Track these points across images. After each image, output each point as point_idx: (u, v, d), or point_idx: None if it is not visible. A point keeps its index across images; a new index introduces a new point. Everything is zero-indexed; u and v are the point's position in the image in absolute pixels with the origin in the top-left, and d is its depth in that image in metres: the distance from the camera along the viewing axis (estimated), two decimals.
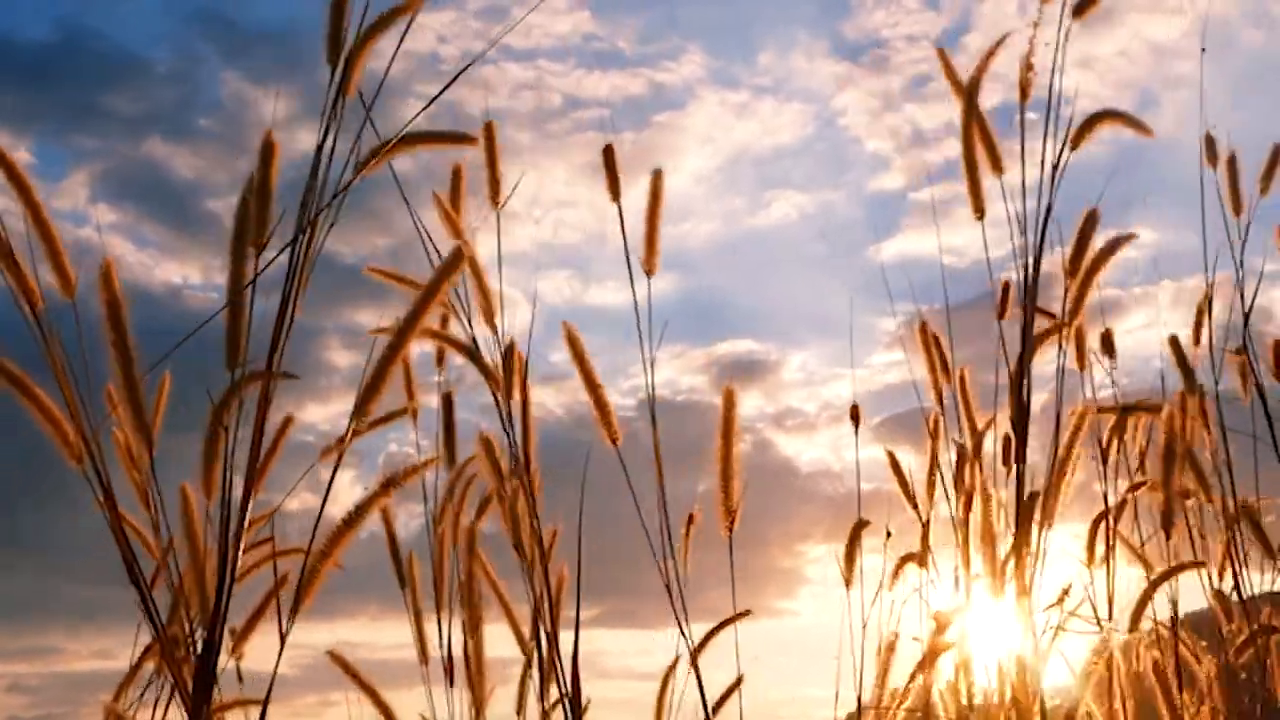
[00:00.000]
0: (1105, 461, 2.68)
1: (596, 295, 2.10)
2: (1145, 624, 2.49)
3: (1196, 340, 2.77)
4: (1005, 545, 2.30)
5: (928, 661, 2.32)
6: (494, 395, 2.21)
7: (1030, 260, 2.24)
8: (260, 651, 2.06)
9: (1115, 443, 2.69)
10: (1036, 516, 2.20)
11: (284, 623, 1.51)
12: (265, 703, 1.57)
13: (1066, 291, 2.28)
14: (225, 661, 1.84)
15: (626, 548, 2.27)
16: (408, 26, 1.65)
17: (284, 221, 1.61)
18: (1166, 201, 2.75)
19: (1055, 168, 2.22)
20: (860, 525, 2.55)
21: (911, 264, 2.62)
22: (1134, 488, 2.66)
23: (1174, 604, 2.57)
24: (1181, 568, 2.47)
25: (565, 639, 2.25)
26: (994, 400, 2.44)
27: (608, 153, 2.28)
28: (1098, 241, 2.27)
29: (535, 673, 2.29)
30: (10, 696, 2.83)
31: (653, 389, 2.20)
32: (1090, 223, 2.25)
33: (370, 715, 2.41)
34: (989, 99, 2.24)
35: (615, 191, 2.28)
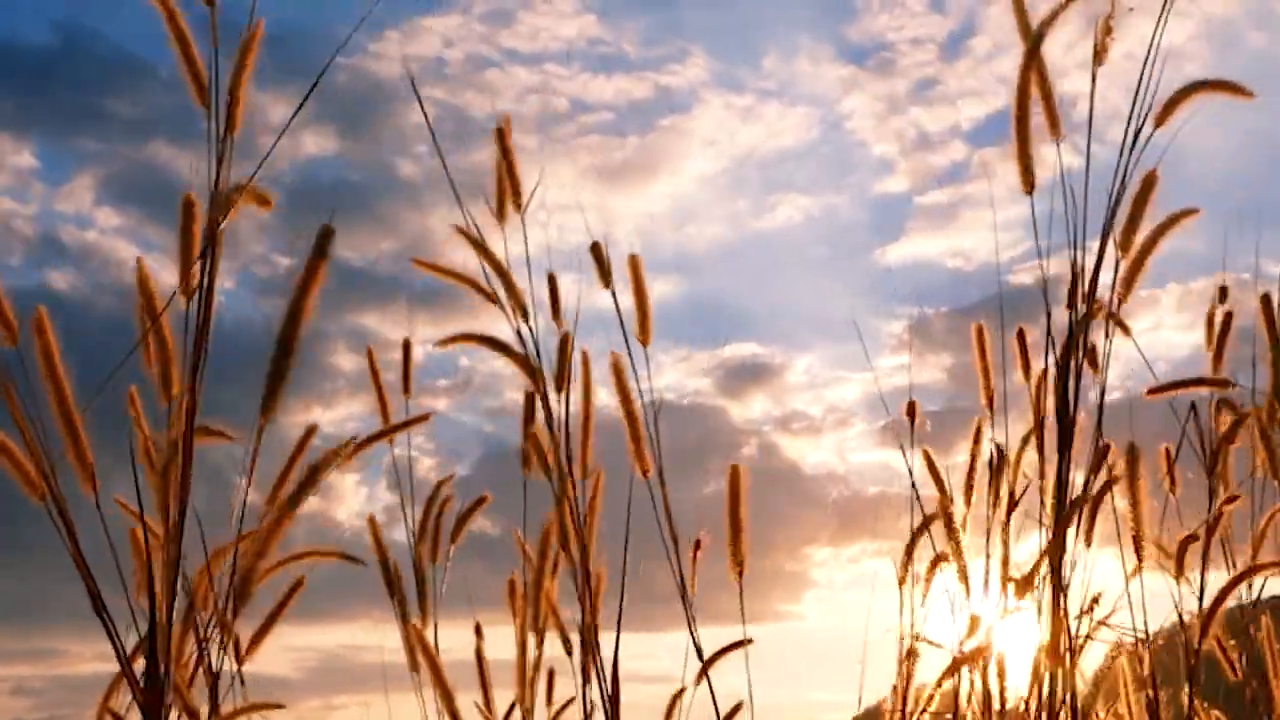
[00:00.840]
0: (1213, 466, 2.59)
1: (603, 299, 2.10)
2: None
3: (1210, 343, 2.71)
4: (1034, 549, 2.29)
5: (956, 666, 2.31)
6: (533, 396, 2.24)
7: (1080, 246, 2.10)
8: (266, 654, 2.06)
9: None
10: (1077, 526, 2.15)
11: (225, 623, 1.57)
12: None
13: (1117, 269, 2.14)
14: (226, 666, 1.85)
15: (634, 551, 2.28)
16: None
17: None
18: (1174, 203, 2.73)
19: (1135, 140, 2.09)
20: (926, 521, 2.53)
21: (916, 267, 2.61)
22: (1229, 500, 2.56)
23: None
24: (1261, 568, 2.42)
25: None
26: (1005, 405, 2.43)
27: (595, 250, 2.33)
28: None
29: (577, 675, 2.29)
30: (14, 699, 2.83)
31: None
32: (1148, 186, 2.12)
33: (372, 718, 2.41)
34: (989, 105, 2.21)
35: (607, 281, 2.33)
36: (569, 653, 2.37)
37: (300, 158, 1.80)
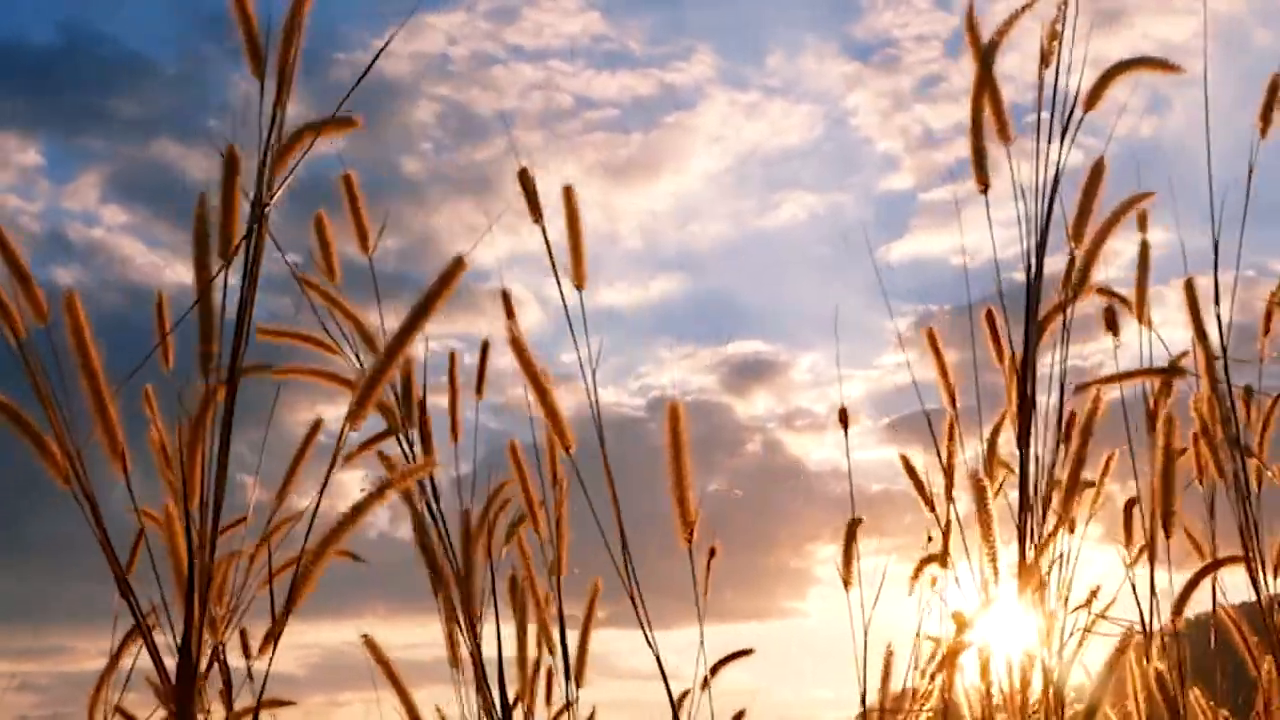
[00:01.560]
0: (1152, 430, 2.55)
1: (606, 296, 2.10)
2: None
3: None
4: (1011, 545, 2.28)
5: (947, 661, 2.31)
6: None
7: (1035, 241, 2.12)
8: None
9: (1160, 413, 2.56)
10: (1045, 515, 2.15)
11: (276, 622, 1.53)
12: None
13: (1071, 261, 2.15)
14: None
15: (635, 548, 2.27)
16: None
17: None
18: (1177, 201, 2.73)
19: (1065, 131, 2.11)
20: (855, 523, 2.53)
21: (921, 265, 2.61)
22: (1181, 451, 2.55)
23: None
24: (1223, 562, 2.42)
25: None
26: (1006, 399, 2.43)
27: (523, 177, 2.22)
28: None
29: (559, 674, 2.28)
30: (19, 695, 2.83)
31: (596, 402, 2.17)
32: (1096, 175, 2.12)
33: (379, 716, 2.41)
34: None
35: (536, 213, 2.22)
36: (551, 652, 2.37)
37: (305, 155, 1.80)
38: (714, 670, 2.31)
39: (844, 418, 2.64)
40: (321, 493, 1.59)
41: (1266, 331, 2.62)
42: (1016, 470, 2.14)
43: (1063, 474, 2.19)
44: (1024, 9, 2.08)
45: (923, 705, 2.36)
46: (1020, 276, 2.37)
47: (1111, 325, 2.63)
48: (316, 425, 2.19)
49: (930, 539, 2.59)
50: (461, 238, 2.21)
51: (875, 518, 2.59)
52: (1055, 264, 2.27)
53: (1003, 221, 2.26)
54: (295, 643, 2.07)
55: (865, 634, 2.45)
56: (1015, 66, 2.23)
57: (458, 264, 1.49)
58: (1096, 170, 2.12)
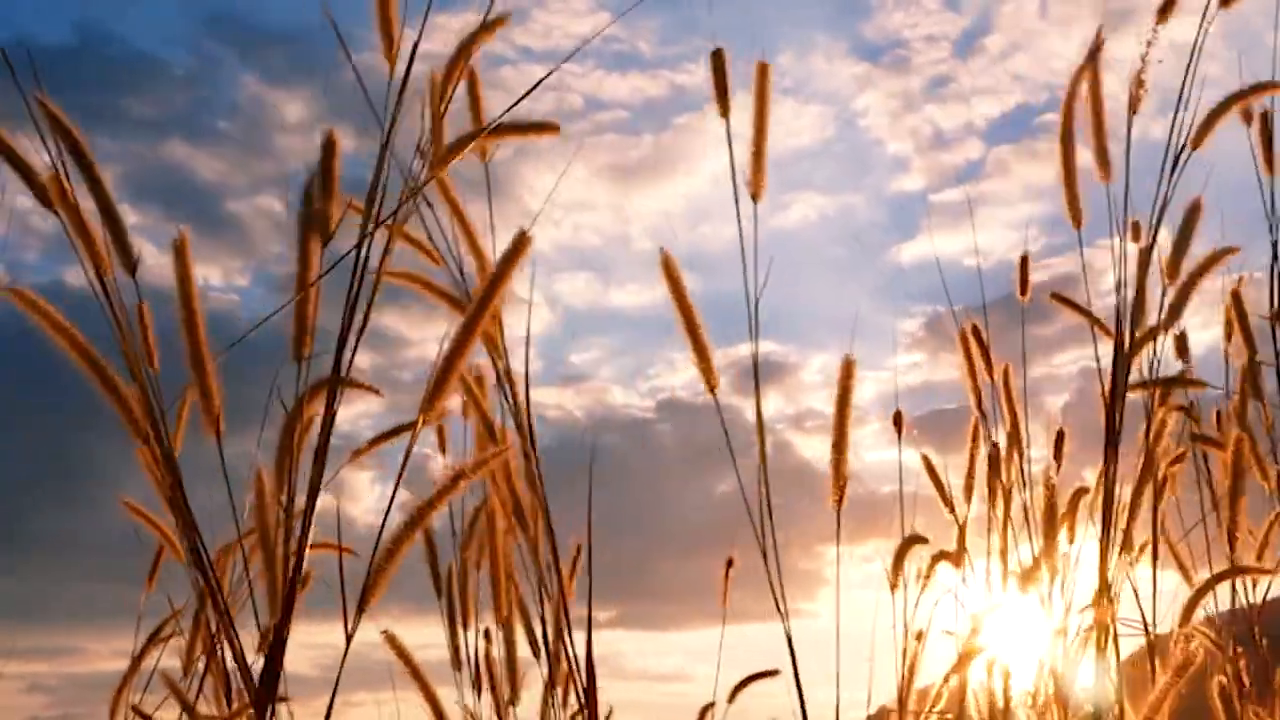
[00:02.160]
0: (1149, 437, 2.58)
1: (617, 297, 2.08)
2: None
3: (1229, 337, 2.71)
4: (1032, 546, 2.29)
5: (962, 662, 2.31)
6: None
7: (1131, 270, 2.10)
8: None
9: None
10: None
11: (349, 623, 1.46)
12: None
13: (1164, 294, 2.15)
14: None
15: (643, 550, 2.27)
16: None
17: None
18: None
19: (1175, 164, 2.11)
20: (912, 539, 2.51)
21: (932, 265, 2.61)
22: (1176, 459, 2.57)
23: None
24: (1238, 571, 2.42)
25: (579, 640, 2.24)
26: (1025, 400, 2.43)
27: (716, 58, 2.00)
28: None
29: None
30: (30, 696, 2.84)
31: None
32: (1193, 216, 2.13)
33: (390, 715, 2.41)
34: (1004, 103, 2.20)
35: (724, 104, 2.01)
36: (535, 653, 2.34)
37: (315, 155, 1.80)
38: (740, 686, 2.32)
39: (898, 421, 2.63)
40: (319, 489, 1.53)
41: None
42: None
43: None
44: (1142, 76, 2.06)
45: (933, 707, 2.35)
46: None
47: (1182, 352, 2.70)
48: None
49: (914, 539, 2.58)
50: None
51: (887, 519, 2.59)
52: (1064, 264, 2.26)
53: (1019, 223, 2.26)
54: (308, 643, 2.07)
55: (907, 632, 2.44)
56: (1028, 66, 2.22)
57: (522, 238, 1.44)
58: (1194, 209, 2.13)
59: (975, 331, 2.55)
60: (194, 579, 1.62)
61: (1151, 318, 2.13)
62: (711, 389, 1.92)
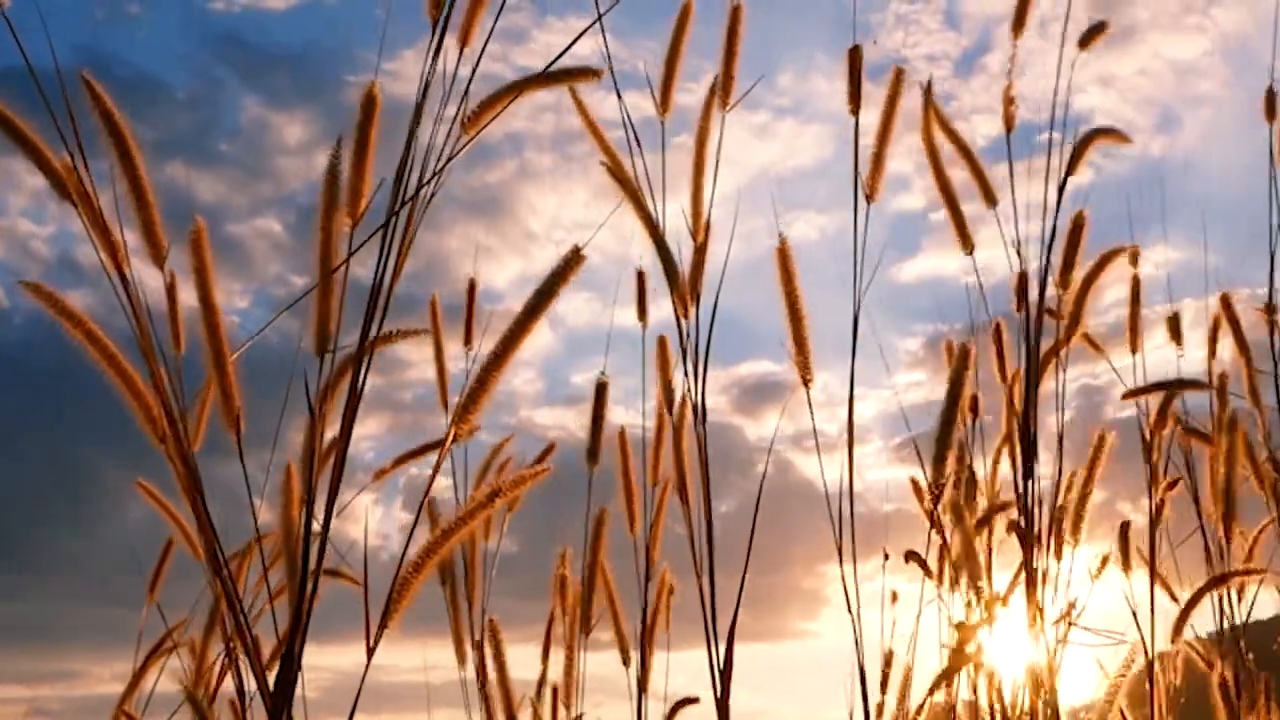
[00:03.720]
0: (1150, 455, 2.62)
1: (619, 317, 2.09)
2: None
3: (1213, 353, 2.75)
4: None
5: (948, 675, 2.31)
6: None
7: (1038, 281, 2.22)
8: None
9: (1158, 437, 2.63)
10: (1046, 538, 2.18)
11: (371, 637, 1.42)
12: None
13: (1060, 306, 2.26)
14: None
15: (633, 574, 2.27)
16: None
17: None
18: (1187, 219, 2.74)
19: (1060, 190, 2.22)
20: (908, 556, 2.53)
21: (932, 284, 2.61)
22: (1171, 485, 2.61)
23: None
24: (1230, 576, 2.45)
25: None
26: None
27: (854, 55, 2.05)
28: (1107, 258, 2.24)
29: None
30: None
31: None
32: (1077, 231, 2.23)
33: None
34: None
35: (855, 102, 2.06)
36: (626, 663, 2.33)
37: (314, 176, 1.80)
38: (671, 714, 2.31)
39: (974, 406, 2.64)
40: (333, 513, 1.52)
41: None
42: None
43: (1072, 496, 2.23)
44: None
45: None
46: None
47: (1175, 335, 2.75)
48: (334, 444, 2.17)
49: (888, 557, 2.58)
50: (473, 259, 2.20)
51: (887, 538, 2.58)
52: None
53: (1013, 242, 2.27)
54: (307, 664, 2.07)
55: (910, 647, 2.44)
56: (1025, 85, 2.25)
57: (576, 255, 1.39)
58: (1077, 223, 2.23)
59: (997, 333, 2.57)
60: (210, 580, 1.58)
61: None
62: (806, 383, 1.95)
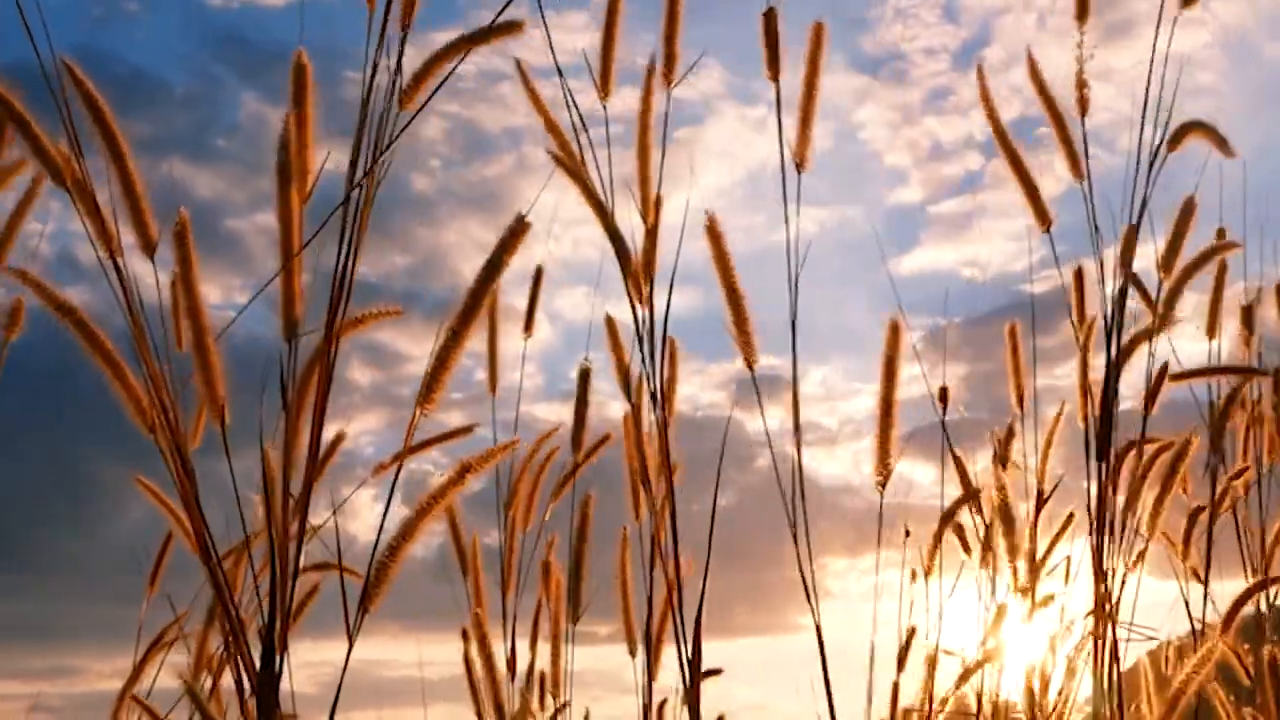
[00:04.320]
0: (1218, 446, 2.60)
1: (615, 311, 2.09)
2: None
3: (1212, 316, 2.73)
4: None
5: (976, 666, 2.31)
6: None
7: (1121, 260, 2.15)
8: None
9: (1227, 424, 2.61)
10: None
11: (351, 620, 1.42)
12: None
13: (1159, 288, 2.18)
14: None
15: (638, 564, 2.27)
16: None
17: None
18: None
19: (1152, 163, 2.14)
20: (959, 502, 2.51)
21: (931, 278, 2.61)
22: (1237, 475, 2.60)
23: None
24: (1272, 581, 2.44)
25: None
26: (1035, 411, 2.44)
27: (769, 17, 1.97)
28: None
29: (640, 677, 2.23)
30: (33, 716, 2.84)
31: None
32: (1187, 213, 2.17)
33: None
34: (1007, 111, 2.23)
35: (774, 67, 1.98)
36: (632, 653, 2.32)
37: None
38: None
39: (944, 396, 2.63)
40: (309, 498, 1.50)
41: None
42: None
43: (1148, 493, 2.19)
44: None
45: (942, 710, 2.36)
46: (1027, 288, 2.38)
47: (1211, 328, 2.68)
48: (338, 439, 2.17)
49: (909, 533, 2.58)
50: (472, 254, 2.20)
51: (888, 531, 2.58)
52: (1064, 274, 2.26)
53: (1017, 234, 2.26)
54: (307, 660, 2.07)
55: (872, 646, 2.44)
56: (1021, 79, 2.24)
57: (521, 224, 1.40)
58: (1188, 206, 2.16)
59: (1012, 332, 2.56)
60: (206, 574, 1.58)
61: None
62: (750, 364, 1.89)
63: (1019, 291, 2.52)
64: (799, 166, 1.96)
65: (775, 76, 1.97)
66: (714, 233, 1.86)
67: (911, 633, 2.43)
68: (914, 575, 2.49)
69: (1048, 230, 2.15)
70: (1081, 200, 2.16)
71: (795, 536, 1.89)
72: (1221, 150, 2.15)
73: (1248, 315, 2.70)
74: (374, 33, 1.57)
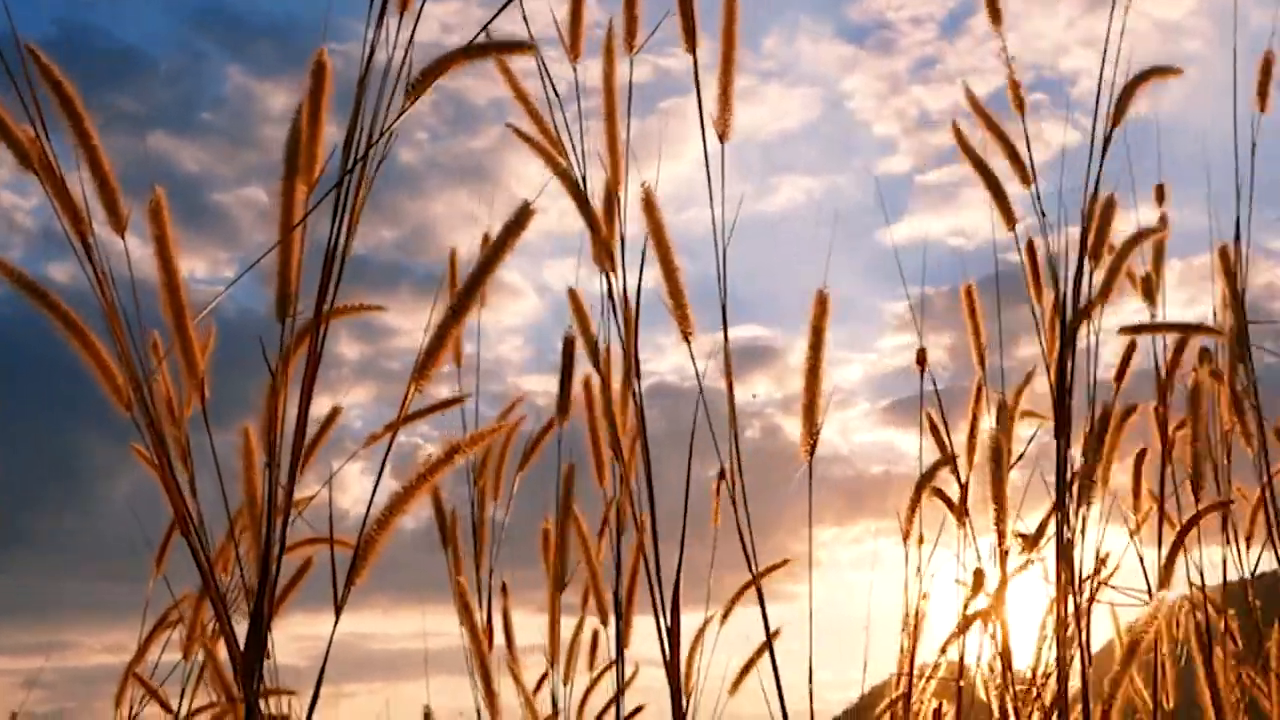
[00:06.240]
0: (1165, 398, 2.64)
1: (604, 282, 2.08)
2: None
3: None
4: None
5: (964, 626, 2.33)
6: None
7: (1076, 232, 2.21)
8: (276, 642, 2.07)
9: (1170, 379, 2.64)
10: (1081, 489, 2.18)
11: (339, 593, 1.41)
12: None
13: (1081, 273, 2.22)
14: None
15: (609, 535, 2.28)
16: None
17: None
18: (1173, 180, 2.74)
19: (1107, 140, 2.19)
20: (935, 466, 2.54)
21: (919, 247, 2.62)
22: (1181, 425, 2.62)
23: None
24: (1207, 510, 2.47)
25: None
26: (1001, 380, 2.45)
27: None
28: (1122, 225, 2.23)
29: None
30: (25, 691, 2.85)
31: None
32: (1109, 209, 2.21)
33: (381, 705, 2.42)
34: (990, 83, 2.24)
35: (691, 40, 1.98)
36: (604, 621, 2.35)
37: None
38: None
39: (921, 359, 2.65)
40: (297, 472, 1.50)
41: None
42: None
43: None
44: None
45: (934, 675, 2.38)
46: (1014, 258, 2.39)
47: (1149, 295, 2.72)
48: (335, 413, 2.17)
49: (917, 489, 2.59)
50: (459, 227, 2.20)
51: (876, 500, 2.60)
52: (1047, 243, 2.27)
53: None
54: (298, 634, 2.08)
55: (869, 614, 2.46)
56: (1015, 46, 2.25)
57: (525, 210, 1.40)
58: (1109, 205, 2.20)
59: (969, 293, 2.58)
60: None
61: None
62: (686, 336, 1.90)
63: (1004, 260, 2.53)
64: (721, 137, 1.96)
65: (692, 49, 1.98)
66: (649, 205, 1.88)
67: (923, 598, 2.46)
68: (905, 536, 2.51)
69: (1012, 229, 2.24)
70: (1071, 163, 2.21)
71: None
72: (1171, 74, 2.20)
73: (1231, 278, 2.72)
74: (373, 12, 1.56)
